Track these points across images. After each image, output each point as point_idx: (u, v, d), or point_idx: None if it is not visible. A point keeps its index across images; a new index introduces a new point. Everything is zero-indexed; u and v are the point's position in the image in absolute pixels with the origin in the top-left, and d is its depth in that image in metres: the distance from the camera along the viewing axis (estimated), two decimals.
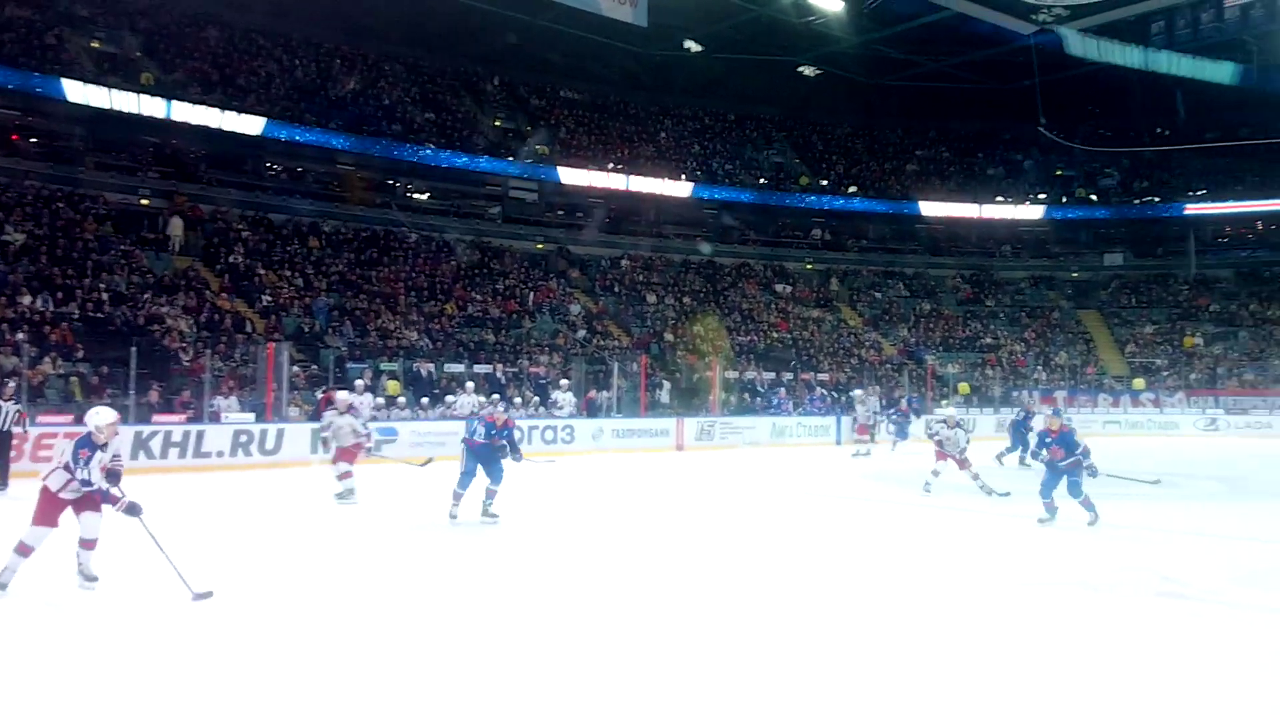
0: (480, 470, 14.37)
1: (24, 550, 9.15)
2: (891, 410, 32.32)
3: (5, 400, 18.19)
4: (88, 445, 9.14)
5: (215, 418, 24.02)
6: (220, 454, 22.57)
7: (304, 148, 39.12)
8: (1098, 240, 55.99)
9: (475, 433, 14.46)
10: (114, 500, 9.13)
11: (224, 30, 40.36)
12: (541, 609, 9.36)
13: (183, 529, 12.05)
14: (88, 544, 9.43)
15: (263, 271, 33.90)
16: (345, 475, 16.66)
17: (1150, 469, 21.73)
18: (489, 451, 14.39)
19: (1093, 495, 14.30)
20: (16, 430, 18.18)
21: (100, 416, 9.45)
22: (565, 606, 9.50)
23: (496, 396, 29.13)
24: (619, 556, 12.42)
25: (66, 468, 9.17)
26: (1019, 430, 25.72)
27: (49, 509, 9.26)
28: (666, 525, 15.24)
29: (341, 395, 17.86)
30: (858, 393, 32.68)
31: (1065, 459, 14.09)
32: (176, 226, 33.83)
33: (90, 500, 9.25)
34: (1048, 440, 14.28)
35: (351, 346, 31.28)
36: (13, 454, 18.25)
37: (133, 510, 9.12)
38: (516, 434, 15.48)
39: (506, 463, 14.60)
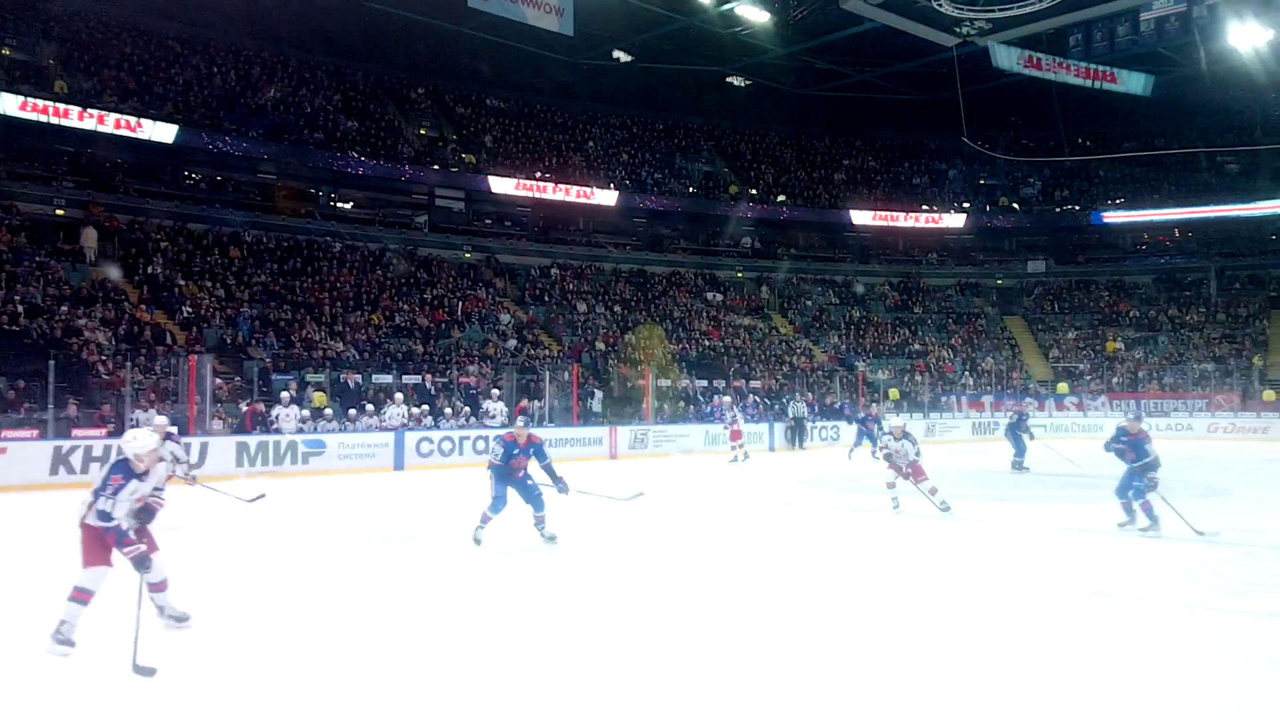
0: (516, 497, 12.85)
1: (82, 597, 7.73)
2: (863, 416, 31.84)
3: None
4: (123, 472, 7.79)
5: None
6: None
7: (224, 156, 38.52)
8: (1021, 248, 56.77)
9: (494, 454, 12.93)
10: (126, 545, 7.71)
11: (141, 38, 39.61)
12: (491, 627, 9.11)
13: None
14: (157, 587, 8.20)
15: (183, 282, 33.15)
16: None
17: (1075, 471, 21.86)
18: (515, 474, 12.82)
19: (1031, 492, 14.27)
20: None
21: (139, 442, 7.98)
22: (517, 623, 9.26)
23: (426, 407, 28.92)
24: (566, 568, 12.14)
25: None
26: (1015, 433, 25.51)
27: (97, 547, 7.83)
28: (606, 534, 14.96)
29: (159, 420, 15.32)
30: (726, 399, 32.20)
31: (1135, 461, 13.91)
32: (90, 237, 32.93)
33: (139, 536, 7.94)
34: (1124, 439, 14.06)
35: (276, 358, 30.68)
36: None
37: (141, 565, 7.75)
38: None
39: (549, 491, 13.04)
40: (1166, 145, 52.51)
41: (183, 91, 38.50)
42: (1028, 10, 35.20)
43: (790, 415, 35.24)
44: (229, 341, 30.86)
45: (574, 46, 43.29)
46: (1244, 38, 38.29)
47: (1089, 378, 47.13)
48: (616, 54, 46.89)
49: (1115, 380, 46.28)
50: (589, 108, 52.66)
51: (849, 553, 13.10)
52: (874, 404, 33.69)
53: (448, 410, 29.43)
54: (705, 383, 38.46)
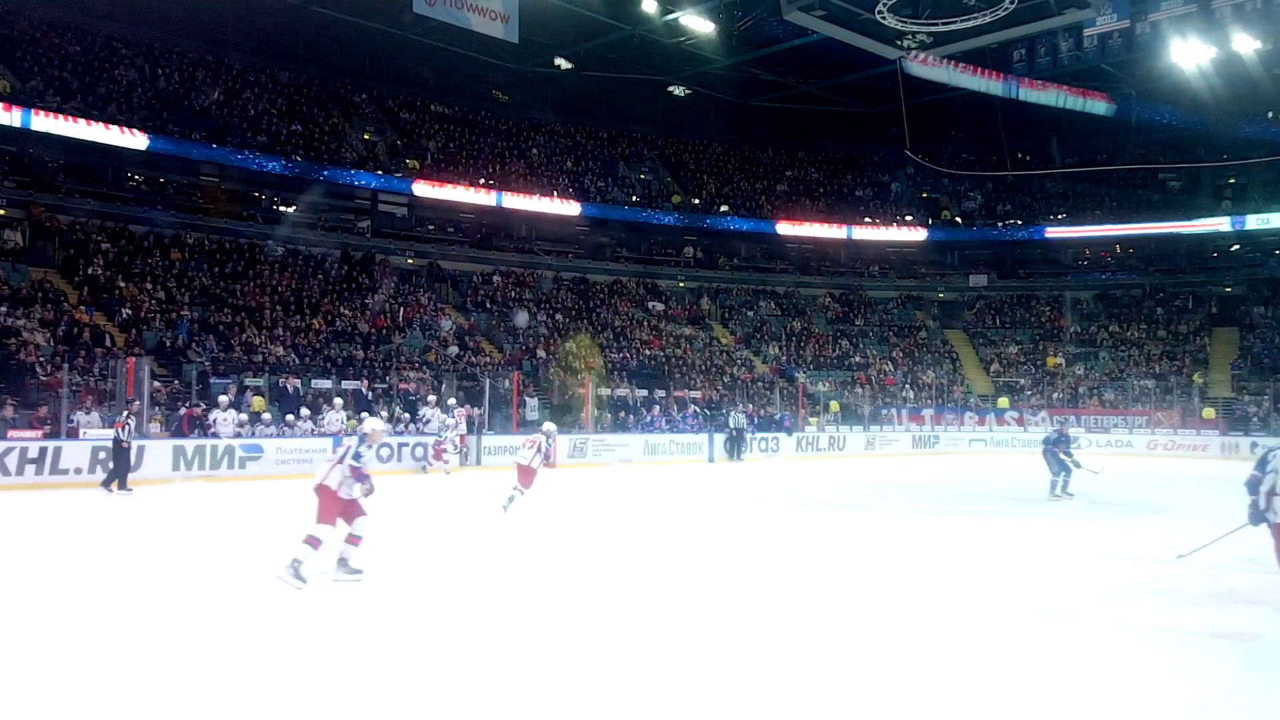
0: None
1: None
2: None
3: (133, 417, 20.49)
4: None
5: (73, 434, 23.17)
6: (79, 470, 21.76)
7: (166, 158, 37.96)
8: (963, 262, 57.02)
9: None
10: None
11: (83, 38, 39.09)
12: (427, 632, 9.07)
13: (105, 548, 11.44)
14: None
15: (123, 284, 32.80)
16: None
17: (1015, 486, 21.87)
18: None
19: (968, 507, 14.30)
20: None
21: None
22: (459, 630, 9.22)
23: (408, 415, 28.69)
24: (506, 576, 12.12)
25: None
26: (1054, 454, 21.38)
27: None
28: (545, 543, 14.94)
29: None
30: (425, 409, 30.40)
31: None
32: (22, 237, 32.57)
33: None
34: None
35: (215, 361, 30.41)
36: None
37: None
38: None
39: None
40: (1109, 162, 53.15)
41: (125, 93, 38.07)
42: (971, 24, 35.48)
43: (731, 426, 35.33)
44: (168, 344, 30.55)
45: (519, 54, 43.36)
46: (1186, 56, 38.85)
47: (1029, 393, 47.48)
48: (559, 62, 46.96)
49: (1055, 395, 46.70)
50: (533, 115, 52.52)
51: (784, 565, 13.12)
52: (1062, 422, 25.73)
53: (383, 414, 29.27)
54: (645, 392, 38.43)
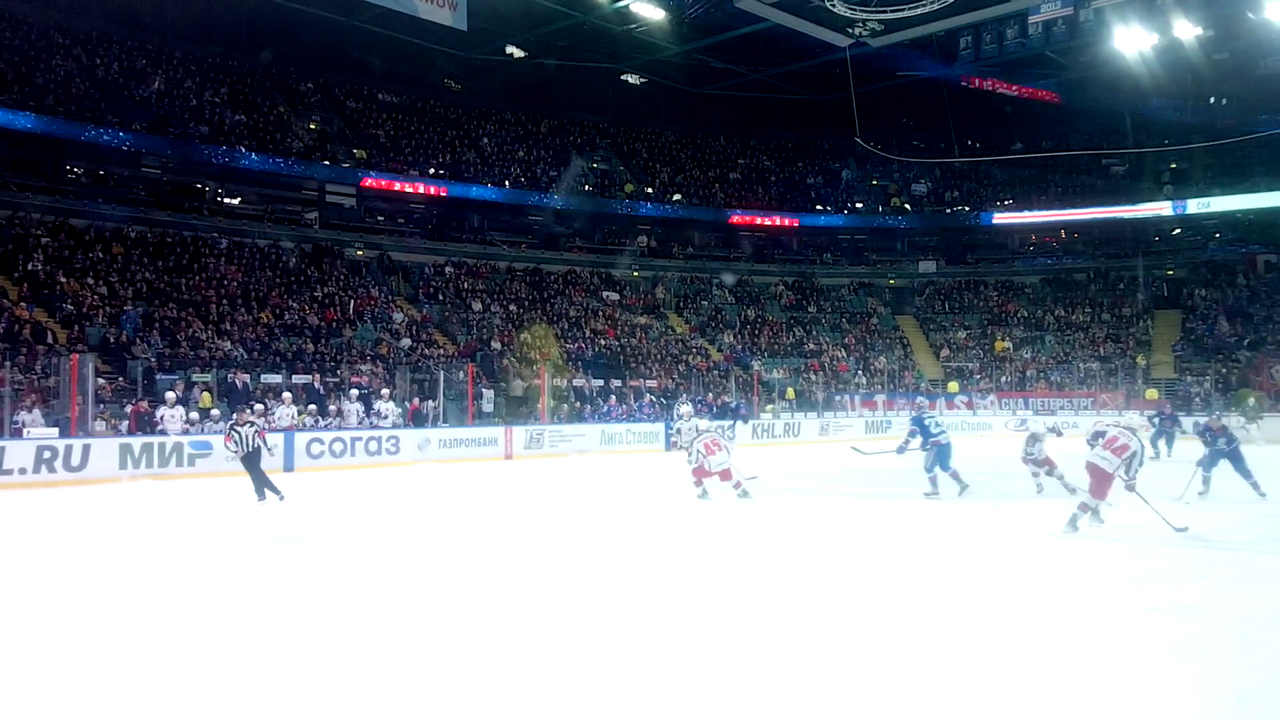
0: None
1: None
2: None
3: (244, 425, 18.57)
4: None
5: (16, 433, 22.66)
6: (23, 470, 21.25)
7: (106, 149, 37.32)
8: (912, 248, 57.34)
9: None
10: None
11: (19, 27, 38.30)
12: (380, 631, 8.82)
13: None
14: None
15: (64, 279, 32.19)
16: None
17: (965, 470, 21.84)
18: None
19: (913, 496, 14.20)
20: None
21: None
22: (410, 629, 8.98)
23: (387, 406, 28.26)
24: (455, 568, 11.88)
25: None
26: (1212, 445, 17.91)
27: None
28: (501, 534, 14.71)
29: None
30: (379, 403, 29.31)
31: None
32: None
33: None
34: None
35: (161, 357, 29.89)
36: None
37: None
38: None
39: None
40: (1054, 148, 53.55)
41: (63, 83, 37.37)
42: (919, 12, 35.55)
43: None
44: (112, 340, 30.02)
45: (467, 41, 42.94)
46: (1129, 42, 39.08)
47: (978, 377, 47.79)
48: (510, 49, 46.54)
49: (1004, 379, 47.07)
50: (483, 104, 52.14)
51: (743, 552, 12.97)
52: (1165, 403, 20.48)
53: (332, 408, 28.92)
54: (601, 382, 38.26)
